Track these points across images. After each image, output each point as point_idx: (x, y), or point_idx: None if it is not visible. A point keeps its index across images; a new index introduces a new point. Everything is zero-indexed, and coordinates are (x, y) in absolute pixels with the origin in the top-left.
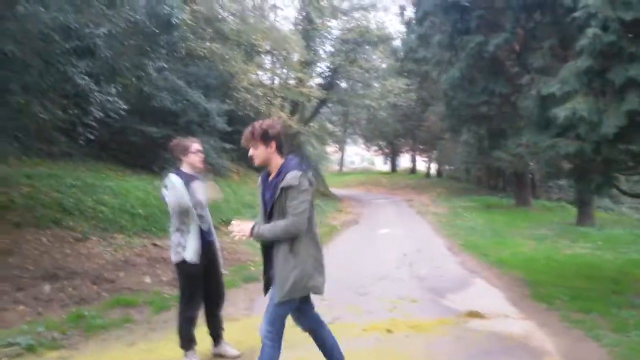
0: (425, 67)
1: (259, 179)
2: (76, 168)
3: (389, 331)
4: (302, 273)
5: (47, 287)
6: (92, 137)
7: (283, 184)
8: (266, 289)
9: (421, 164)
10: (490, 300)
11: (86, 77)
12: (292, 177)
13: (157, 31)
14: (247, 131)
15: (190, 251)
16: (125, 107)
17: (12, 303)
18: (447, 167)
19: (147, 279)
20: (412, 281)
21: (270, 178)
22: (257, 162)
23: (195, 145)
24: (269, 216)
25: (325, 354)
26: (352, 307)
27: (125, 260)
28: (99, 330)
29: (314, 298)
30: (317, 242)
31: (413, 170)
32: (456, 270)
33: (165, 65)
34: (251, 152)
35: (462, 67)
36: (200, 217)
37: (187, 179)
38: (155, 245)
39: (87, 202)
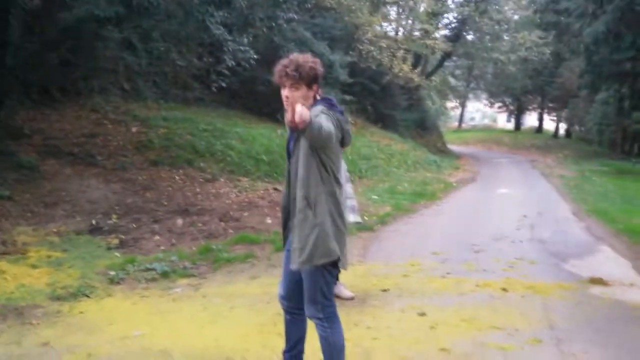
0: (566, 19)
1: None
2: (208, 113)
3: (504, 290)
4: (321, 232)
5: (179, 221)
6: (223, 84)
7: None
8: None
9: (549, 124)
10: (616, 268)
11: (221, 27)
12: (314, 110)
13: None
14: (286, 67)
15: None
16: (255, 56)
17: (149, 233)
18: (577, 128)
19: (268, 220)
20: (532, 243)
21: None
22: (292, 105)
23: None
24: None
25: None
26: (466, 264)
27: (249, 201)
28: (225, 263)
29: None
30: (338, 203)
31: (539, 130)
32: (581, 235)
33: (295, 17)
34: (287, 92)
35: (608, 20)
36: None
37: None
38: (276, 189)
39: (217, 145)
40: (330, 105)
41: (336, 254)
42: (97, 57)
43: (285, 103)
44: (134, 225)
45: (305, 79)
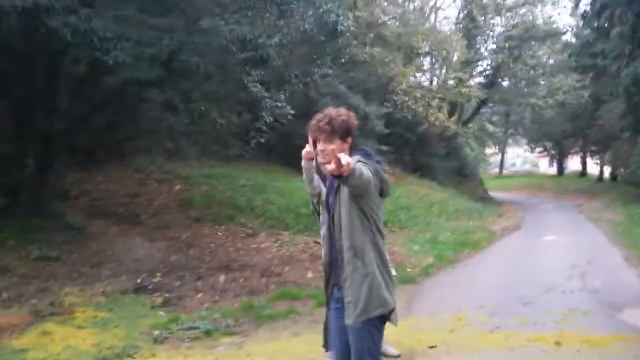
0: (602, 61)
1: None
2: (248, 169)
3: (557, 344)
4: (373, 281)
5: (222, 278)
6: (262, 140)
7: None
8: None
9: (592, 167)
10: None
11: (258, 85)
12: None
13: (323, 39)
14: (319, 121)
15: None
16: (292, 112)
17: (192, 290)
18: (622, 171)
19: (310, 274)
20: (584, 293)
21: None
22: (325, 159)
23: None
24: (332, 219)
25: None
26: (516, 317)
27: (290, 255)
28: (267, 319)
29: None
30: (382, 253)
31: (583, 174)
32: (635, 283)
33: (329, 72)
34: (321, 146)
35: None
36: None
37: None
38: (316, 242)
39: (257, 200)
40: (366, 155)
41: (391, 304)
42: (140, 118)
43: (320, 157)
44: (178, 283)
45: (338, 132)
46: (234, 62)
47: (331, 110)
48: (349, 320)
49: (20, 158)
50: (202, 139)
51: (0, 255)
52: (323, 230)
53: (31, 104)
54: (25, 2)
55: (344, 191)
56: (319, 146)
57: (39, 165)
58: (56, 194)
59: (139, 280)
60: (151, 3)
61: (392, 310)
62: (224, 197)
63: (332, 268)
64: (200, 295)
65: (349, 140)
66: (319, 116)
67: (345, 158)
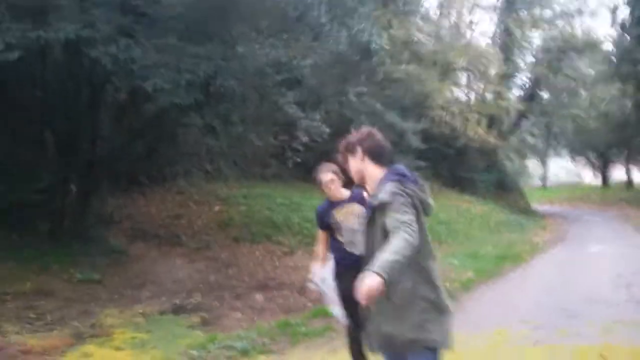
0: None
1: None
2: (285, 188)
3: (602, 356)
4: (403, 325)
5: (259, 297)
6: (298, 160)
7: (374, 201)
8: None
9: (638, 177)
10: None
11: (294, 106)
12: (385, 192)
13: (357, 59)
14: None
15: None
16: (328, 131)
17: (230, 310)
18: None
19: None
20: (630, 305)
21: (369, 197)
22: (355, 178)
23: (322, 176)
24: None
25: None
26: (559, 330)
27: None
28: (303, 337)
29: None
30: (431, 279)
31: (629, 184)
32: None
33: (365, 90)
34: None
35: None
36: (348, 241)
37: (328, 207)
38: None
39: (294, 219)
40: (400, 177)
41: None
42: (180, 142)
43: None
44: (216, 303)
45: (343, 149)
46: (269, 84)
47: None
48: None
49: (64, 185)
50: (240, 160)
51: (45, 279)
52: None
53: (74, 133)
54: (68, 35)
55: (381, 221)
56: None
57: (82, 191)
58: (99, 219)
59: (177, 301)
60: (192, 32)
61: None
62: (262, 216)
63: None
64: (238, 314)
65: (358, 152)
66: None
67: (370, 286)
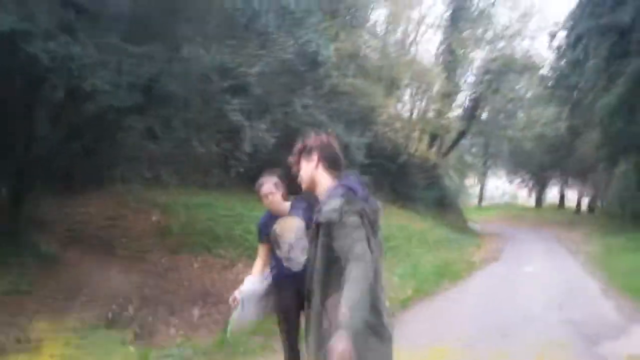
0: (577, 94)
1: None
2: (228, 198)
3: None
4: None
5: (196, 311)
6: (242, 169)
7: (320, 218)
8: None
9: (570, 199)
10: None
11: (239, 114)
12: (330, 208)
13: (304, 69)
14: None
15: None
16: (272, 140)
17: (165, 325)
18: (600, 203)
19: None
20: (562, 325)
21: (318, 207)
22: (303, 184)
23: (262, 189)
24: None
25: None
26: (495, 350)
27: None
28: (241, 356)
29: None
30: (375, 304)
31: (561, 205)
32: (612, 315)
33: (310, 102)
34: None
35: (620, 93)
36: (287, 257)
37: (268, 219)
38: None
39: (236, 230)
40: (350, 193)
41: None
42: (119, 145)
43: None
44: (150, 318)
45: (297, 152)
46: (214, 90)
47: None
48: None
49: None
50: (181, 167)
51: None
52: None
53: (7, 131)
54: (3, 28)
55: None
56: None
57: (13, 192)
58: (31, 222)
59: (110, 314)
60: (134, 31)
61: None
62: (202, 226)
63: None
64: (172, 329)
65: (314, 158)
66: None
67: (338, 352)
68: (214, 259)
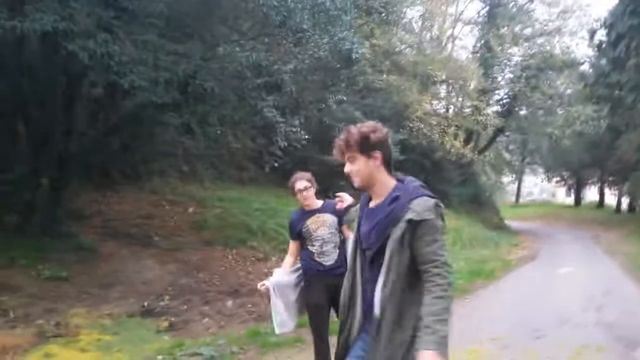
0: (618, 93)
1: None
2: (262, 193)
3: None
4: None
5: (229, 303)
6: (276, 164)
7: (411, 215)
8: None
9: (610, 198)
10: None
11: (273, 110)
12: (425, 206)
13: (338, 66)
14: (340, 139)
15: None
16: (307, 137)
17: (199, 315)
18: None
19: None
20: (598, 328)
21: (374, 205)
22: (356, 182)
23: (297, 184)
24: (369, 267)
25: None
26: (528, 351)
27: None
28: (273, 347)
29: None
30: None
31: (601, 204)
32: None
33: (344, 98)
34: (347, 167)
35: None
36: (319, 252)
37: (301, 215)
38: None
39: (270, 224)
40: (431, 193)
41: None
42: (156, 141)
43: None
44: (185, 307)
45: (355, 146)
46: (249, 87)
47: (352, 126)
48: None
49: (35, 178)
50: (217, 162)
51: (11, 274)
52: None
53: (48, 125)
54: (45, 27)
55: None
56: (345, 168)
57: (53, 185)
58: (69, 214)
59: (146, 304)
60: (172, 29)
61: None
62: (237, 220)
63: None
64: (206, 320)
65: (377, 155)
66: (341, 134)
67: None
68: (247, 251)
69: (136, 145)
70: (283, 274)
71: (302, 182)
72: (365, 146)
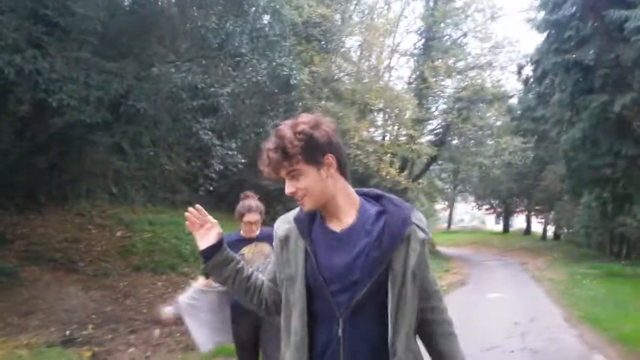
0: (543, 126)
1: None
2: None
3: None
4: None
5: (157, 332)
6: (211, 188)
7: (422, 234)
8: None
9: (537, 226)
10: None
11: (209, 133)
12: (425, 221)
13: (276, 91)
14: (270, 147)
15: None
16: (243, 161)
17: (124, 345)
18: (565, 230)
19: None
20: (524, 354)
21: (339, 227)
22: (307, 204)
23: (249, 216)
24: (350, 317)
25: None
26: None
27: None
28: None
29: None
30: None
31: (527, 232)
32: (574, 344)
33: (282, 123)
34: (290, 187)
35: (584, 127)
36: None
37: (237, 241)
38: None
39: None
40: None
41: None
42: (85, 161)
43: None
44: (110, 336)
45: (299, 153)
46: (184, 109)
47: (284, 126)
48: None
49: None
50: (148, 184)
51: None
52: None
53: None
54: None
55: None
56: (286, 189)
57: None
58: None
59: (67, 333)
60: (106, 47)
61: None
62: (168, 245)
63: None
64: (132, 349)
65: (328, 159)
66: (268, 143)
67: None
68: (178, 277)
69: (64, 165)
70: (197, 290)
71: (255, 215)
72: (311, 151)
